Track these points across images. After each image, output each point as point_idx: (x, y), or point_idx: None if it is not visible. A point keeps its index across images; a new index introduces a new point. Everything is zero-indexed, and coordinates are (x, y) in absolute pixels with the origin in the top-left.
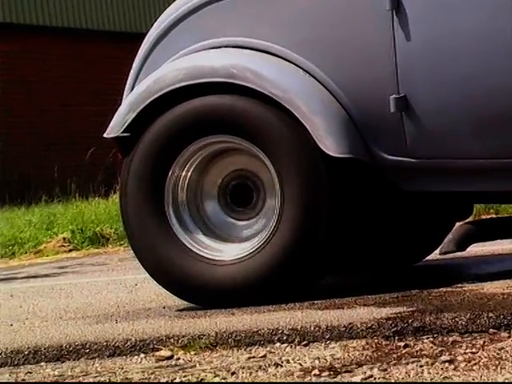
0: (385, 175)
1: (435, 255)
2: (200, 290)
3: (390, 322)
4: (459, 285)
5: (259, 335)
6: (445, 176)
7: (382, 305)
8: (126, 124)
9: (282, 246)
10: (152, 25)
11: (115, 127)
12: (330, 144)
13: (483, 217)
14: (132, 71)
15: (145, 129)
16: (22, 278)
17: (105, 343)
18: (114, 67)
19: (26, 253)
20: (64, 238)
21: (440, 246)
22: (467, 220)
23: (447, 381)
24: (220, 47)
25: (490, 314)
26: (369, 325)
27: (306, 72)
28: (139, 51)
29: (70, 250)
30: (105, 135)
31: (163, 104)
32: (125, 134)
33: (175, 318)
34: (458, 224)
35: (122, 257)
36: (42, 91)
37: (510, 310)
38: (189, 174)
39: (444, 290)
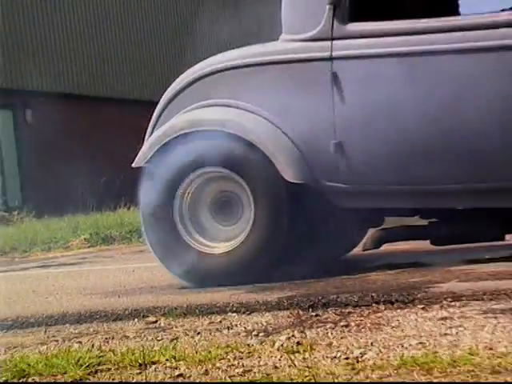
0: (325, 195)
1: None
2: (196, 274)
3: (306, 298)
4: (356, 273)
5: (217, 307)
6: (366, 197)
7: (303, 287)
8: (148, 158)
9: (254, 245)
10: (165, 91)
11: (140, 160)
12: (289, 173)
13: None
14: (151, 121)
15: (162, 161)
16: (55, 265)
17: (110, 311)
18: None
19: (59, 248)
20: (84, 239)
21: (362, 244)
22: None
23: (344, 339)
24: (213, 106)
25: (373, 294)
26: (292, 300)
27: (273, 124)
28: (157, 107)
29: (89, 247)
30: (132, 165)
31: (175, 144)
32: (147, 165)
33: (159, 295)
34: (373, 229)
35: (124, 252)
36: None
37: (386, 291)
38: (190, 192)
39: (345, 276)
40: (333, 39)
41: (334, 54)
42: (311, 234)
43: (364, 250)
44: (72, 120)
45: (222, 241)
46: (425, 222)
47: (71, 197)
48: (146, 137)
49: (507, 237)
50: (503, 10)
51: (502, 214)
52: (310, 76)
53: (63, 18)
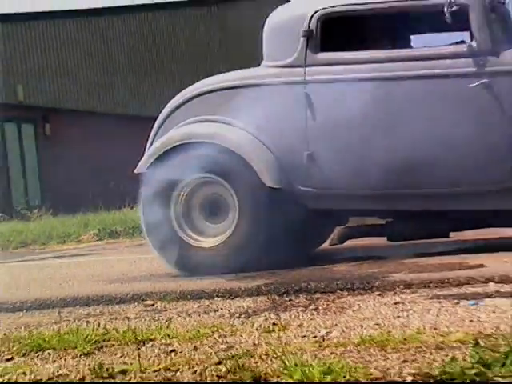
0: (298, 198)
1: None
2: (188, 264)
3: (281, 286)
4: (324, 264)
5: (205, 293)
6: (332, 199)
7: (279, 276)
8: (148, 164)
9: (238, 240)
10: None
11: (141, 167)
12: (268, 179)
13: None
14: (151, 133)
15: (160, 168)
16: (68, 256)
17: (114, 295)
18: None
19: (71, 241)
20: (94, 233)
21: (329, 240)
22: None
23: (312, 320)
24: (204, 122)
25: (338, 282)
26: (269, 287)
27: (255, 137)
28: (156, 122)
29: (97, 241)
30: (135, 171)
31: (172, 153)
32: (147, 171)
33: (156, 282)
34: (339, 227)
35: (127, 245)
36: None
37: (349, 280)
38: (183, 195)
39: (314, 267)
40: (306, 66)
41: (307, 78)
42: (287, 230)
43: (331, 245)
44: (84, 132)
45: (210, 237)
46: (382, 222)
47: (83, 198)
48: (147, 147)
49: (451, 234)
50: (450, 45)
51: (447, 215)
52: (287, 97)
53: (75, 47)
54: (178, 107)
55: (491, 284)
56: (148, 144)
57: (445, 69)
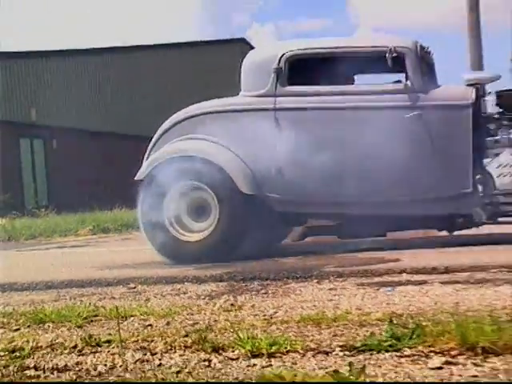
0: (267, 203)
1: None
2: (178, 255)
3: (239, 274)
4: (276, 257)
5: (176, 278)
6: (293, 205)
7: (238, 265)
8: (146, 174)
9: (218, 236)
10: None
11: (140, 175)
12: (243, 187)
13: None
14: (149, 148)
15: (156, 176)
16: (69, 246)
17: (104, 279)
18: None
19: (71, 235)
20: (89, 229)
21: (290, 237)
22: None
23: (263, 302)
24: (192, 139)
25: (284, 271)
26: (230, 275)
27: (233, 153)
28: (152, 139)
29: (92, 235)
30: (135, 178)
31: (165, 164)
32: (145, 178)
33: (139, 269)
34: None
35: (116, 239)
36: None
37: (294, 270)
38: (174, 198)
39: (268, 260)
40: (276, 96)
41: (277, 106)
42: (257, 228)
43: (293, 241)
44: (82, 147)
45: (196, 232)
46: (334, 223)
47: (81, 200)
48: (144, 159)
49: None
50: (390, 83)
51: (384, 219)
52: (260, 121)
53: (77, 80)
54: (170, 127)
55: (404, 274)
56: (145, 156)
57: (387, 102)
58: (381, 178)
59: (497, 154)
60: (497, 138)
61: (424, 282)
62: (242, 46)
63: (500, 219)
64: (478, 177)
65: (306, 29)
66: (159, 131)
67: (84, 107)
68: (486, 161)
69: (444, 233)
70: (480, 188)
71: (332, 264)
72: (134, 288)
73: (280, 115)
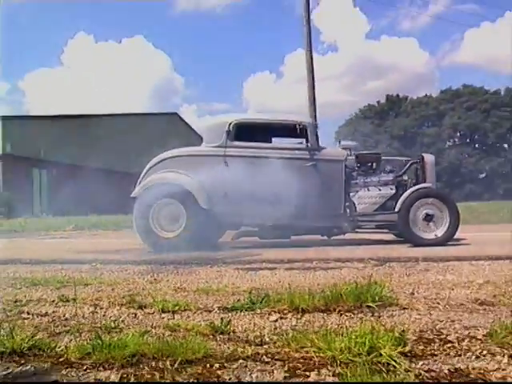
0: (217, 215)
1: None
2: (159, 246)
3: (162, 260)
4: (202, 252)
5: (122, 261)
6: (234, 217)
7: (184, 255)
8: (138, 193)
9: (185, 234)
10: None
11: (135, 194)
12: (202, 203)
13: None
14: (140, 177)
15: (144, 195)
16: (58, 238)
17: (76, 259)
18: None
19: (60, 230)
20: (72, 227)
21: (232, 237)
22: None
23: (175, 278)
24: (169, 172)
25: (194, 260)
26: (157, 260)
27: (197, 181)
28: (143, 171)
29: (74, 231)
30: (131, 196)
31: (151, 188)
32: (138, 196)
33: (100, 254)
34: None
35: (89, 235)
36: None
37: (198, 259)
38: (156, 209)
39: (200, 253)
40: (226, 147)
41: (226, 153)
42: (208, 230)
43: (232, 240)
44: (74, 176)
45: (170, 231)
46: (257, 229)
47: (69, 209)
48: (137, 184)
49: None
50: (296, 143)
51: (289, 228)
52: (215, 162)
53: (72, 137)
54: (157, 163)
55: (264, 263)
56: (138, 182)
57: (294, 155)
58: (289, 201)
59: (357, 191)
60: (357, 181)
61: (274, 268)
62: (175, 117)
63: (358, 230)
64: (347, 204)
65: (216, 109)
66: (148, 165)
67: (74, 150)
68: (351, 194)
69: (325, 237)
70: (348, 211)
71: (221, 255)
72: (95, 266)
73: (227, 159)
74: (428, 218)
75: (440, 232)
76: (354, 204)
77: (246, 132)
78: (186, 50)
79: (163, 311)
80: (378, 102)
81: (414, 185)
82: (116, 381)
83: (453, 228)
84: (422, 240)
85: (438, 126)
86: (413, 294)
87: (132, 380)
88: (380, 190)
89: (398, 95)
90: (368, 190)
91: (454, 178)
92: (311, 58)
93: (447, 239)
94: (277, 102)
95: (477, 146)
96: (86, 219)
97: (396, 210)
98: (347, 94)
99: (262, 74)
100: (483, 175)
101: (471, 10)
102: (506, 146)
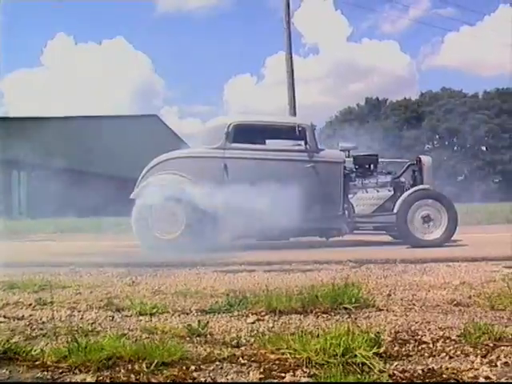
0: (213, 214)
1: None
2: (159, 248)
3: (141, 263)
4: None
5: (99, 264)
6: (231, 216)
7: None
8: (137, 194)
9: (184, 236)
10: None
11: (134, 196)
12: (201, 204)
13: None
14: (138, 179)
15: (143, 196)
16: (38, 240)
17: (55, 262)
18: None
19: (40, 233)
20: (52, 230)
21: (229, 238)
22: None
23: (154, 281)
24: (166, 173)
25: (170, 262)
26: (135, 263)
27: (194, 183)
28: (141, 174)
29: (53, 233)
30: (130, 197)
31: (149, 189)
32: (137, 197)
33: (77, 257)
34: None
35: (69, 238)
36: None
37: (180, 262)
38: (156, 210)
39: (180, 256)
40: (225, 149)
41: (226, 155)
42: (207, 232)
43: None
44: (50, 177)
45: (169, 233)
46: (256, 230)
47: (49, 213)
48: (136, 185)
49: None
50: (296, 145)
51: (289, 229)
52: (214, 163)
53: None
54: (153, 166)
55: (243, 265)
56: (137, 184)
57: (294, 157)
58: (288, 202)
59: (355, 193)
60: (355, 183)
61: (253, 271)
62: (156, 119)
63: (356, 231)
64: (345, 205)
65: (198, 111)
66: (145, 169)
67: (53, 152)
68: (349, 196)
69: (323, 239)
70: (346, 212)
71: (200, 258)
72: (74, 269)
73: (226, 160)
74: (426, 219)
75: (438, 233)
76: (353, 205)
77: (246, 134)
78: (166, 52)
79: (141, 314)
80: (358, 104)
81: (412, 186)
82: (92, 382)
83: (451, 229)
84: (420, 241)
85: (417, 129)
86: (389, 295)
87: (107, 381)
88: (378, 191)
89: (377, 98)
90: (366, 191)
91: (433, 180)
92: (291, 61)
93: (445, 240)
94: (258, 104)
95: (455, 148)
96: (66, 221)
97: (394, 211)
98: (328, 96)
99: (243, 76)
100: (461, 177)
101: (451, 14)
102: (484, 148)
